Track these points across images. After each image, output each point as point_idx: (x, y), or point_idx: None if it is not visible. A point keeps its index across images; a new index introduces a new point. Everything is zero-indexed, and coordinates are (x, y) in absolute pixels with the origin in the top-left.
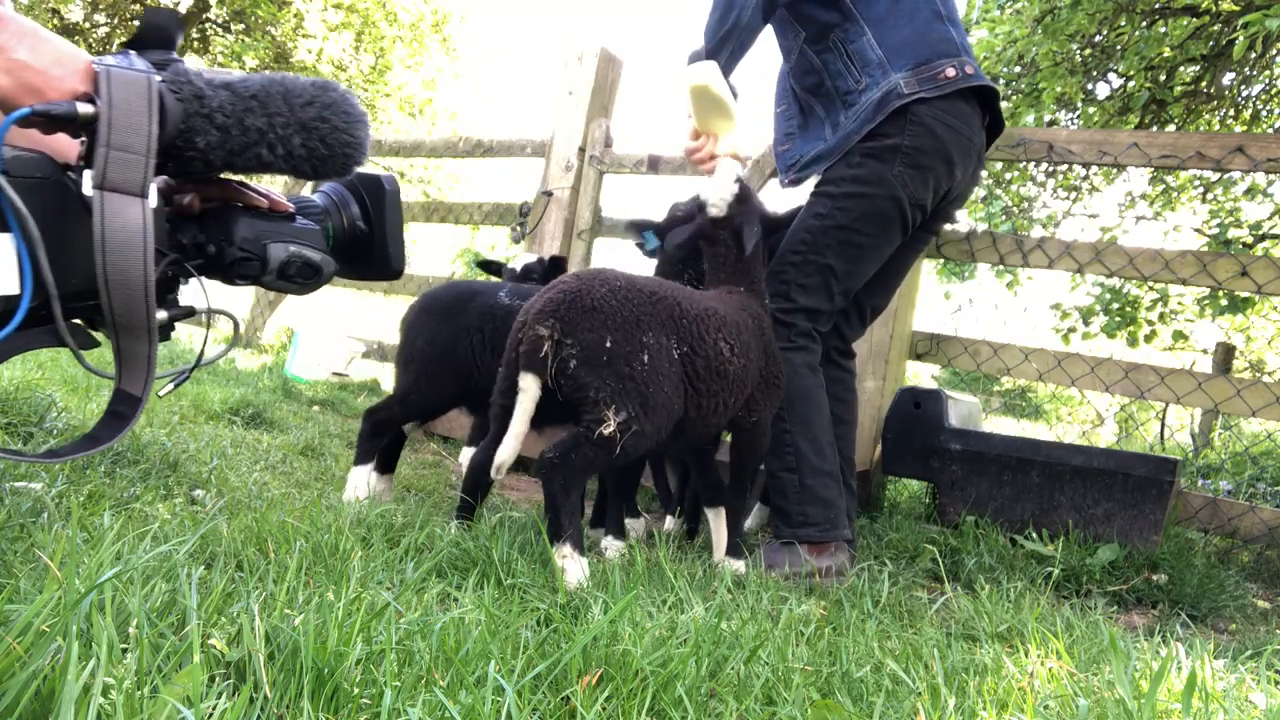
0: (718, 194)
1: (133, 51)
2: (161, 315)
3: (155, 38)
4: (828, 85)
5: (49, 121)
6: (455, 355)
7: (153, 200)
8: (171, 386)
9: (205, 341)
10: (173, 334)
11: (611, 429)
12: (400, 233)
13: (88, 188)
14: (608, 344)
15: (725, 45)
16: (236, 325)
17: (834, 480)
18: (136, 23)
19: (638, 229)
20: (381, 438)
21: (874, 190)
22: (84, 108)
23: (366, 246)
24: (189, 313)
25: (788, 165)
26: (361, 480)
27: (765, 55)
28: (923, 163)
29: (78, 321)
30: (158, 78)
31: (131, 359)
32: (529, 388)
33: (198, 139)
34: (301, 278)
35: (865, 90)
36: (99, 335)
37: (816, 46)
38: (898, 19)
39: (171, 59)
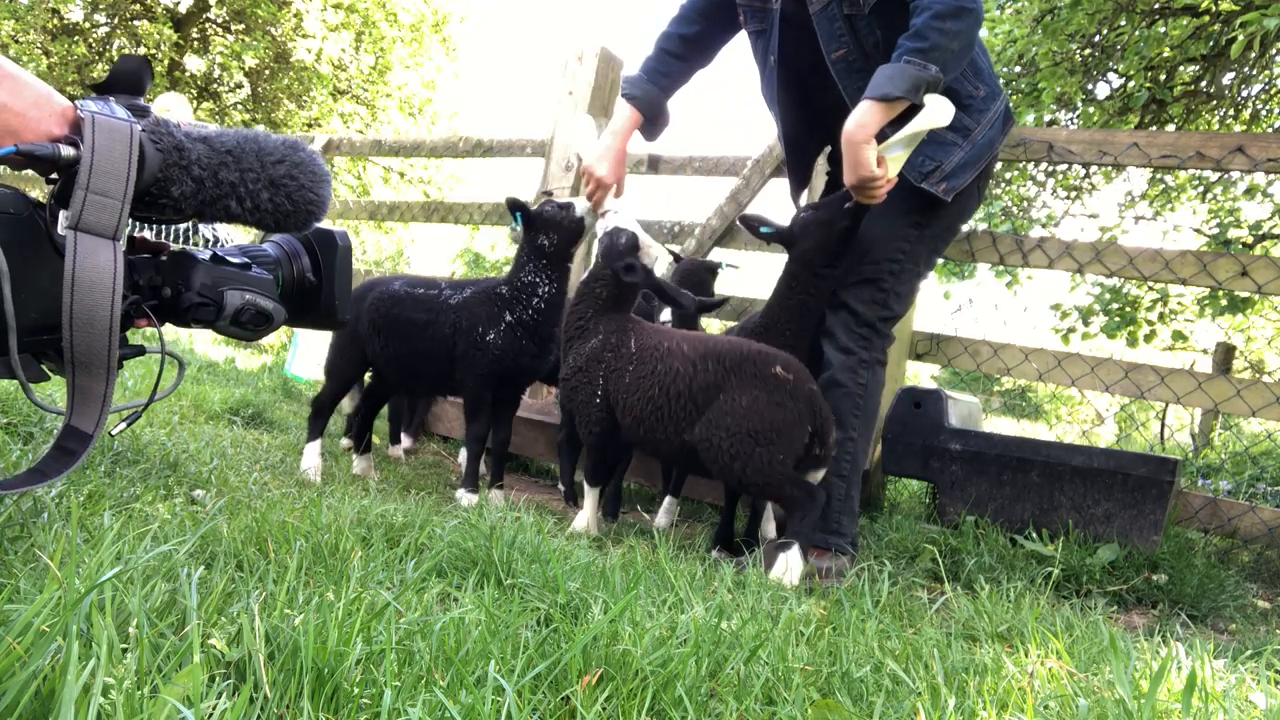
0: (655, 251)
1: (112, 98)
2: None
3: (126, 83)
4: None
5: (30, 161)
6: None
7: (123, 244)
8: (123, 426)
9: (158, 380)
10: (121, 371)
11: None
12: (348, 286)
13: (61, 226)
14: None
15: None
16: (182, 366)
17: (859, 499)
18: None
19: (512, 210)
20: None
21: (963, 204)
22: (67, 150)
23: (314, 297)
24: (138, 352)
25: (925, 173)
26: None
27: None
28: (988, 180)
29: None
30: (139, 127)
31: (85, 396)
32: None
33: (173, 188)
34: (253, 324)
35: (988, 98)
36: (47, 368)
37: None
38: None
39: (139, 104)
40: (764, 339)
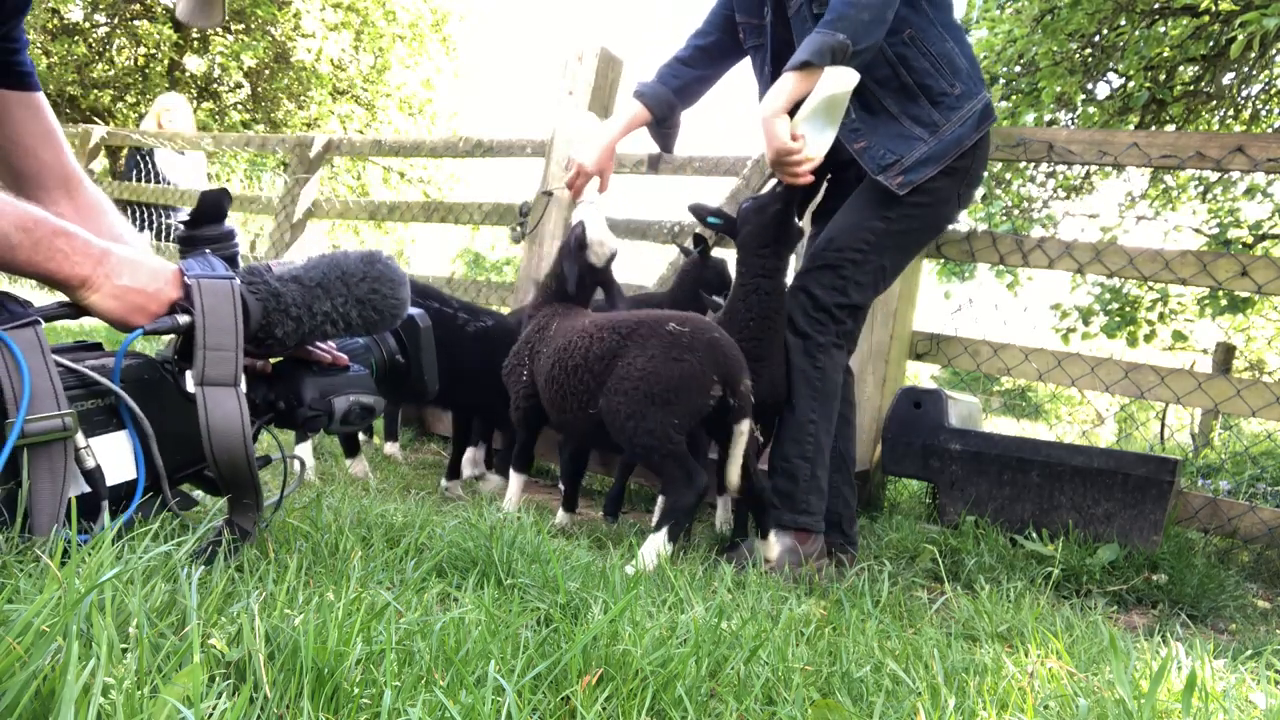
0: (606, 247)
1: (209, 250)
2: None
3: (211, 213)
4: (907, 80)
5: (154, 333)
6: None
7: (242, 385)
8: (266, 523)
9: (284, 483)
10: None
11: None
12: (434, 361)
13: (189, 384)
14: None
15: (871, 51)
16: (303, 466)
17: (827, 478)
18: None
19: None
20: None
21: (940, 206)
22: (183, 319)
23: (404, 376)
24: (266, 461)
25: (884, 166)
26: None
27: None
28: (974, 186)
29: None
30: (239, 282)
31: (241, 504)
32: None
33: (276, 330)
34: (360, 419)
35: (963, 97)
36: (192, 493)
37: (891, 39)
38: (960, 34)
39: (225, 230)
40: (726, 328)
